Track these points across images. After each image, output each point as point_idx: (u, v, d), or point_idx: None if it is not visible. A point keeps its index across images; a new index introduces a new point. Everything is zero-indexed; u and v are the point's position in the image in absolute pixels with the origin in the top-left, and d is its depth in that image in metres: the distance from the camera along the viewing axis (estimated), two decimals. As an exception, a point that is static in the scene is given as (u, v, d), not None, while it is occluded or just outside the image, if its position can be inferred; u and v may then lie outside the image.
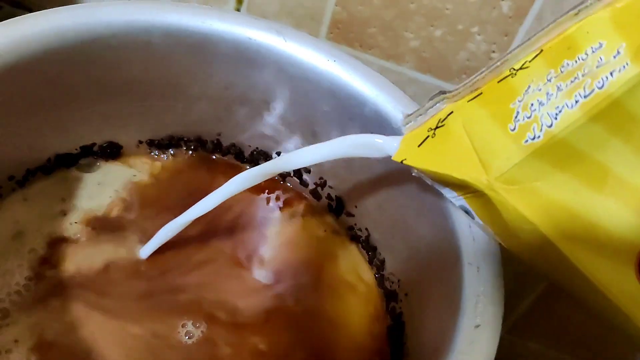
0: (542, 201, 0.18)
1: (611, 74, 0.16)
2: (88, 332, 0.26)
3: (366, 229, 0.33)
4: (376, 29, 0.39)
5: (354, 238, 0.33)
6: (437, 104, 0.21)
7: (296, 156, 0.25)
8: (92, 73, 0.29)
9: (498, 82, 0.19)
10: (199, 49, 0.29)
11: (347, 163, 0.32)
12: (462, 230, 0.24)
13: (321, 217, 0.34)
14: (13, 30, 0.25)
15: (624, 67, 0.16)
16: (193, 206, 0.27)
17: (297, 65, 0.29)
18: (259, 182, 0.26)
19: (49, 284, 0.27)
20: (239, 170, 0.34)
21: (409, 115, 0.22)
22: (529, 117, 0.18)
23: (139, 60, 0.29)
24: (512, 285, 0.48)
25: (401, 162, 0.22)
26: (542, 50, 0.18)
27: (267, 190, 0.34)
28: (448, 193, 0.21)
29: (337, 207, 0.34)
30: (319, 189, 0.34)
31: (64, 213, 0.30)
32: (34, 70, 0.26)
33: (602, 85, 0.16)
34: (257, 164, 0.35)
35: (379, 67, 0.40)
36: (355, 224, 0.33)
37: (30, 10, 0.45)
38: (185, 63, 0.30)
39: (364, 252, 0.33)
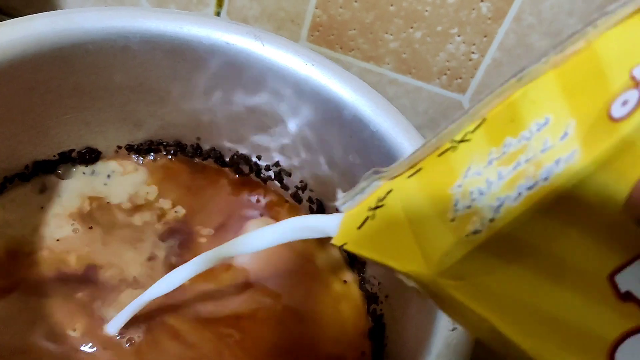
0: (494, 297, 0.15)
1: (557, 163, 0.14)
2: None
3: (347, 231, 0.33)
4: (356, 31, 0.39)
5: (335, 241, 0.34)
6: (374, 182, 0.19)
7: (243, 242, 0.24)
8: (70, 79, 0.29)
9: (438, 155, 0.17)
10: (178, 54, 0.29)
11: (328, 166, 0.32)
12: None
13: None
14: (-12, 38, 0.25)
15: (572, 155, 0.14)
16: (156, 283, 0.26)
17: (276, 69, 0.30)
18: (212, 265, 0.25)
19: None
20: (221, 174, 0.34)
21: (344, 195, 0.20)
22: (468, 208, 0.15)
23: (118, 65, 0.29)
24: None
25: (341, 247, 0.19)
26: (484, 120, 0.16)
27: (248, 193, 0.35)
28: (401, 276, 0.18)
29: (318, 210, 0.34)
30: (299, 192, 0.34)
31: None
32: (10, 78, 0.26)
33: (547, 177, 0.14)
34: (237, 167, 0.35)
35: (360, 69, 0.41)
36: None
37: (11, 16, 0.45)
38: (164, 68, 0.30)
39: (345, 254, 0.33)
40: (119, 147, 0.33)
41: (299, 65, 0.29)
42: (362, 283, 0.32)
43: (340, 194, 0.20)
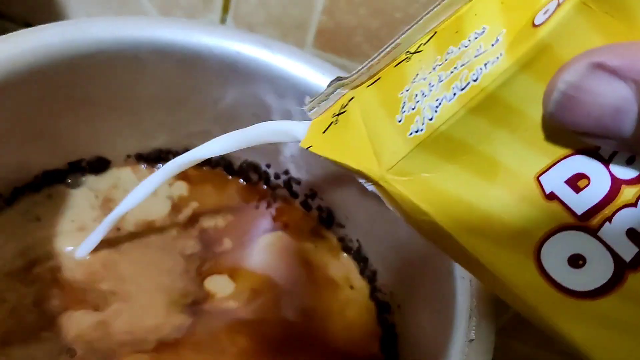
0: (434, 193, 0.17)
1: (485, 65, 0.15)
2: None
3: (357, 240, 0.33)
4: (362, 38, 0.39)
5: (346, 249, 0.33)
6: (338, 90, 0.21)
7: (212, 144, 0.25)
8: (79, 90, 0.28)
9: (394, 66, 0.19)
10: (188, 64, 0.29)
11: (338, 175, 0.32)
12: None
13: (312, 228, 0.34)
14: (-1, 49, 0.25)
15: (497, 58, 0.15)
16: (123, 200, 0.27)
17: (286, 78, 0.29)
18: (179, 172, 0.27)
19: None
20: (232, 183, 0.34)
21: (311, 101, 0.21)
22: (413, 109, 0.17)
23: (127, 75, 0.29)
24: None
25: (307, 148, 0.21)
26: (435, 33, 0.18)
27: (257, 199, 0.34)
28: (360, 179, 0.20)
29: (328, 218, 0.34)
30: (309, 200, 0.34)
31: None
32: (20, 89, 0.26)
33: (477, 78, 0.15)
34: (246, 176, 0.35)
35: (366, 75, 0.40)
36: (346, 235, 0.33)
37: (14, 22, 0.45)
38: (174, 78, 0.30)
39: (355, 263, 0.33)
40: (128, 156, 0.33)
41: (309, 74, 0.29)
42: (373, 292, 0.32)
43: (307, 99, 0.21)
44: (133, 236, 0.31)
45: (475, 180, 0.16)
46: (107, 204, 0.32)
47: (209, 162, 0.34)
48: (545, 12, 0.14)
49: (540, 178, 0.16)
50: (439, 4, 0.18)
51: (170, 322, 0.28)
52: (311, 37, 0.40)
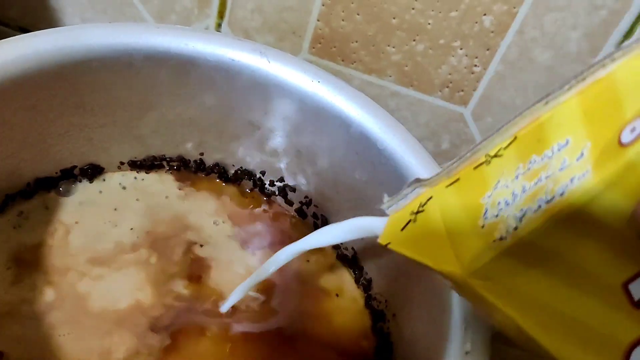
0: (519, 297, 0.17)
1: (571, 181, 0.15)
2: None
3: (352, 248, 0.33)
4: (358, 44, 0.39)
5: (341, 257, 0.33)
6: (416, 189, 0.21)
7: (319, 236, 0.27)
8: (73, 97, 0.28)
9: (474, 168, 0.19)
10: (182, 71, 0.29)
11: (333, 182, 0.32)
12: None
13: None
14: (-10, 56, 0.25)
15: (583, 174, 0.15)
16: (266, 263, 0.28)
17: (281, 85, 0.29)
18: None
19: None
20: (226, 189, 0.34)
21: (389, 200, 0.22)
22: (496, 216, 0.17)
23: (121, 82, 0.29)
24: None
25: (386, 246, 0.21)
26: (515, 138, 0.18)
27: (252, 207, 0.34)
28: (437, 274, 0.20)
29: (322, 226, 0.34)
30: (304, 207, 0.34)
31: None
32: (12, 96, 0.26)
33: (563, 193, 0.15)
34: (240, 183, 0.34)
35: (361, 82, 0.40)
36: (342, 243, 0.33)
37: (8, 26, 0.45)
38: (168, 85, 0.30)
39: (350, 271, 0.33)
40: (122, 163, 0.33)
41: (304, 82, 0.29)
42: (368, 301, 0.31)
43: (386, 198, 0.22)
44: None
45: (559, 286, 0.17)
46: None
47: (203, 169, 0.34)
48: (632, 131, 0.14)
49: (628, 286, 0.16)
50: (519, 114, 0.18)
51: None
52: (307, 43, 0.39)
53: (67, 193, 0.31)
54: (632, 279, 0.16)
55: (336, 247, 0.33)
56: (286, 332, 0.30)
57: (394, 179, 0.28)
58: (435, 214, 0.19)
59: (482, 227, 0.17)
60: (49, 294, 0.27)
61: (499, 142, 0.18)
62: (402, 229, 0.21)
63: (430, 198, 0.20)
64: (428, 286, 0.26)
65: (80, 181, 0.32)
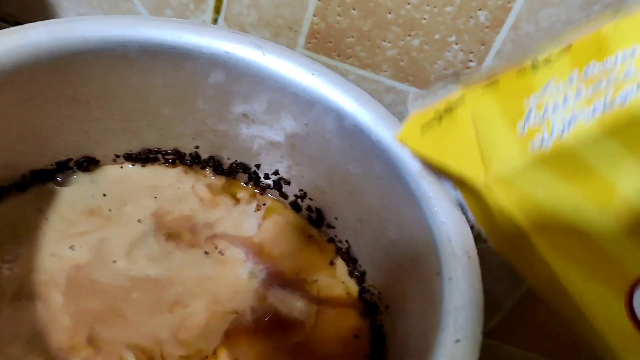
0: (538, 210, 0.16)
1: (638, 87, 0.14)
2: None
3: (346, 240, 0.33)
4: (354, 39, 0.39)
5: (335, 250, 0.33)
6: (449, 85, 0.20)
7: None
8: (68, 89, 0.28)
9: (517, 71, 0.18)
10: (177, 64, 0.29)
11: (328, 176, 0.32)
12: (442, 245, 0.24)
13: (302, 228, 0.34)
14: (-15, 48, 0.25)
15: None
16: None
17: (276, 78, 0.29)
18: None
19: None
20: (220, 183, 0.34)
21: (415, 94, 0.21)
22: (540, 119, 0.16)
23: (116, 75, 0.29)
24: (491, 290, 0.48)
25: (401, 142, 0.20)
26: (570, 45, 0.17)
27: (246, 201, 0.34)
28: (445, 182, 0.19)
29: (318, 219, 0.34)
30: (299, 200, 0.34)
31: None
32: (6, 88, 0.26)
33: (625, 100, 0.14)
34: (235, 177, 0.35)
35: (357, 77, 0.40)
36: (336, 236, 0.33)
37: (5, 21, 0.45)
38: (163, 77, 0.30)
39: (344, 263, 0.33)
40: (117, 156, 0.33)
41: (299, 74, 0.29)
42: (361, 293, 0.32)
43: (412, 91, 0.20)
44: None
45: (587, 205, 0.16)
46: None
47: (198, 162, 0.34)
48: None
49: None
50: (571, 30, 0.17)
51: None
52: (303, 39, 0.40)
53: (63, 184, 0.31)
54: None
55: (331, 240, 0.34)
56: (275, 319, 0.30)
57: (389, 172, 0.28)
58: (465, 115, 0.18)
59: (521, 130, 0.16)
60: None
61: (550, 49, 0.17)
62: (422, 128, 0.20)
63: (462, 97, 0.19)
64: (420, 277, 0.26)
65: (75, 173, 0.32)
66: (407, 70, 0.39)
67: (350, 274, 0.32)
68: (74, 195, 0.32)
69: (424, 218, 0.26)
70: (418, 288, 0.26)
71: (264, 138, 0.33)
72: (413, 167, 0.27)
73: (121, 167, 0.33)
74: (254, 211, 0.34)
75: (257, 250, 0.32)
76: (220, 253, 0.32)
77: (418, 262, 0.27)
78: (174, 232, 0.32)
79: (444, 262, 0.24)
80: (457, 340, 0.22)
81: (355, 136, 0.29)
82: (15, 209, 0.30)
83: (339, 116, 0.29)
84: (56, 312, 0.27)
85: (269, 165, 0.34)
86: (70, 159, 0.32)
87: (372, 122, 0.28)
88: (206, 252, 0.31)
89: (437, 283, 0.24)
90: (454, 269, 0.24)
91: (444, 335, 0.22)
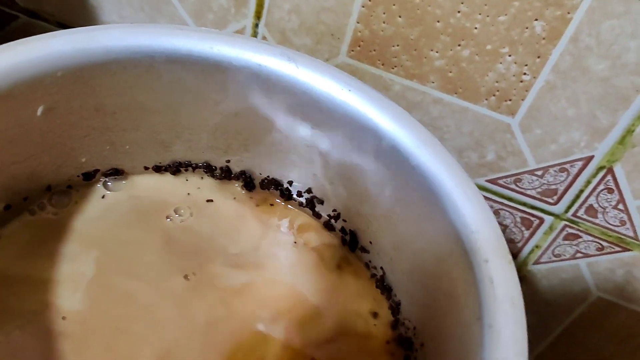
0: None
1: None
2: None
3: (381, 267, 0.31)
4: (399, 48, 0.37)
5: (370, 276, 0.31)
6: None
7: None
8: (92, 100, 0.27)
9: None
10: (207, 75, 0.28)
11: (362, 198, 0.30)
12: (485, 287, 0.22)
13: (335, 251, 0.32)
14: (5, 57, 0.24)
15: None
16: None
17: (310, 93, 0.28)
18: None
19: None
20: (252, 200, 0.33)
21: None
22: None
23: (142, 86, 0.28)
24: (541, 313, 0.46)
25: None
26: None
27: (279, 218, 0.33)
28: None
29: (352, 242, 0.32)
30: (332, 221, 0.32)
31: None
32: (29, 98, 0.25)
33: None
34: (266, 192, 0.33)
35: (402, 87, 0.38)
36: (370, 261, 0.31)
37: (47, 22, 0.44)
38: (192, 89, 0.28)
39: (378, 291, 0.31)
40: (146, 168, 0.32)
41: (335, 89, 0.27)
42: (395, 325, 0.29)
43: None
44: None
45: None
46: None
47: (228, 176, 0.33)
48: None
49: None
50: None
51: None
52: (345, 46, 0.38)
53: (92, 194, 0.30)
54: None
55: (366, 265, 0.32)
56: (305, 348, 0.28)
57: (427, 200, 0.26)
58: None
59: None
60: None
61: None
62: None
63: None
64: (458, 318, 0.24)
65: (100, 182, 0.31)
66: (456, 82, 0.37)
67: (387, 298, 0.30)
68: (103, 204, 0.30)
69: (464, 253, 0.23)
70: (455, 330, 0.24)
71: (297, 154, 0.31)
72: (455, 197, 0.25)
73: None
74: (287, 229, 0.32)
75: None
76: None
77: (456, 300, 0.24)
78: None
79: (486, 307, 0.22)
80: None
81: (392, 158, 0.27)
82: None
83: (376, 135, 0.27)
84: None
85: (301, 182, 0.32)
86: (97, 170, 0.31)
87: (411, 143, 0.26)
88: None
89: (477, 329, 0.22)
90: (495, 316, 0.21)
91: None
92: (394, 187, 0.27)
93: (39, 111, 0.26)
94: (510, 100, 0.37)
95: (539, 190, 0.41)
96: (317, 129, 0.29)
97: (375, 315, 0.30)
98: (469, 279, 0.23)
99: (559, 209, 0.41)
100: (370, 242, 0.31)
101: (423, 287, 0.27)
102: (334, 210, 0.32)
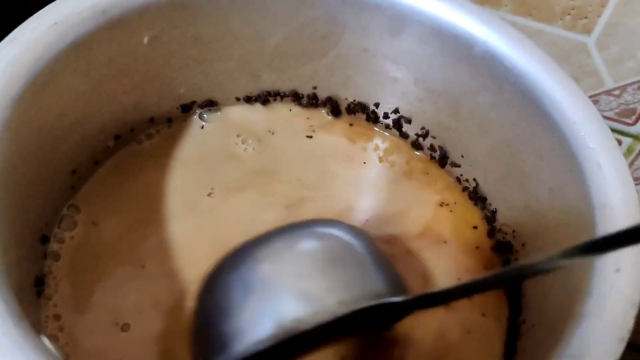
0: None
1: None
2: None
3: (474, 179, 0.31)
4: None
5: (462, 189, 0.32)
6: None
7: None
8: (190, 28, 0.28)
9: None
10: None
11: (453, 110, 0.30)
12: (592, 172, 0.23)
13: (424, 168, 0.33)
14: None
15: None
16: None
17: (397, 6, 0.28)
18: None
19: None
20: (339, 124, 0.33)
21: None
22: None
23: (235, 12, 0.29)
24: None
25: None
26: None
27: (365, 141, 0.33)
28: None
29: (441, 158, 0.32)
30: (420, 139, 0.33)
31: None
32: (137, 26, 0.26)
33: None
34: (352, 116, 0.34)
35: (475, 13, 0.38)
36: (462, 175, 0.32)
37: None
38: (282, 14, 0.29)
39: (472, 202, 0.31)
40: (238, 99, 0.33)
41: (422, 1, 0.28)
42: (492, 233, 0.30)
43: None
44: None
45: None
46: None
47: (315, 103, 0.34)
48: None
49: None
50: None
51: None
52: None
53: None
54: None
55: (457, 180, 0.32)
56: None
57: (524, 100, 0.26)
58: None
59: None
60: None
61: None
62: None
63: None
64: (564, 207, 0.24)
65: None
66: (530, 3, 0.37)
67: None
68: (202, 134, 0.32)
69: (567, 145, 0.24)
70: (561, 220, 0.25)
71: (384, 73, 0.31)
72: (554, 92, 0.25)
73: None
74: (374, 151, 0.33)
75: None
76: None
77: (560, 191, 0.25)
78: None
79: (594, 189, 0.22)
80: (617, 270, 0.20)
81: (486, 63, 0.27)
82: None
83: (467, 43, 0.27)
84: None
85: (388, 103, 0.33)
86: (194, 102, 0.32)
87: (505, 46, 0.26)
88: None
89: (586, 211, 0.22)
90: (608, 195, 0.22)
91: (601, 263, 0.20)
92: (488, 93, 0.28)
93: (145, 39, 0.27)
94: (586, 18, 0.37)
95: (616, 111, 0.40)
96: (405, 43, 0.29)
97: (474, 227, 0.30)
98: (575, 167, 0.23)
99: (637, 129, 0.40)
100: (462, 156, 0.31)
101: (521, 188, 0.28)
102: (422, 128, 0.33)
